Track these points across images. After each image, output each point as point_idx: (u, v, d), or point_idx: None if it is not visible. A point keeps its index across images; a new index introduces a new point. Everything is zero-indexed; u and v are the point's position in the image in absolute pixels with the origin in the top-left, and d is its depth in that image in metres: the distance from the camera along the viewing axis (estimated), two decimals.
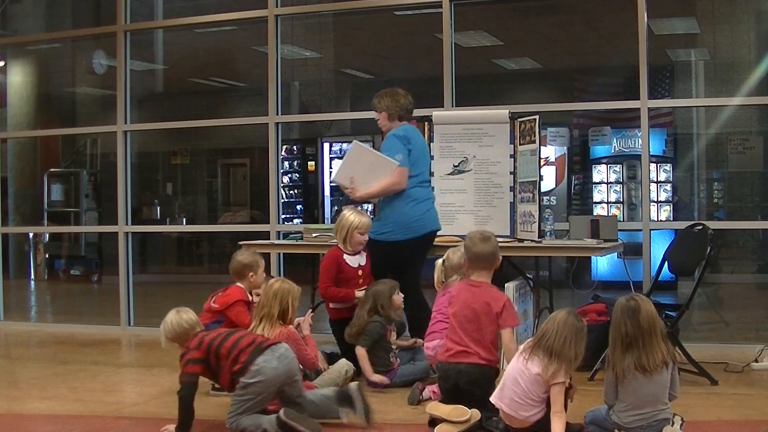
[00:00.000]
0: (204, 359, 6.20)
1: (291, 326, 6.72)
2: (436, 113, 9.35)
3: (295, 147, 18.33)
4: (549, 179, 14.93)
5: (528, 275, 8.82)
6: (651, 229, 9.70)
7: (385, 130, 8.67)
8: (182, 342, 6.30)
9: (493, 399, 5.85)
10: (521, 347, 5.90)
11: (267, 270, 9.98)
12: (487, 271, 6.58)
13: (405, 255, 8.33)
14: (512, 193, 8.88)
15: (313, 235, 9.18)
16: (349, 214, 8.10)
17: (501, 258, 6.74)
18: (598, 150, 15.70)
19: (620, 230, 9.10)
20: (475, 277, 6.55)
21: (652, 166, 14.30)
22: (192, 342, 6.21)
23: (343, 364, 7.06)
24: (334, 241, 8.38)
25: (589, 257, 12.85)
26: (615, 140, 15.48)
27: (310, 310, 7.25)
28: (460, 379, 6.29)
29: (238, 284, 7.70)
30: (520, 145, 8.86)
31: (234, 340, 6.19)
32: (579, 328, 5.96)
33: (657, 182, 15.12)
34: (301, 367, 6.61)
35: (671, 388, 5.76)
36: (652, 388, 5.68)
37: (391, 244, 8.25)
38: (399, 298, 7.63)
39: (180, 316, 6.41)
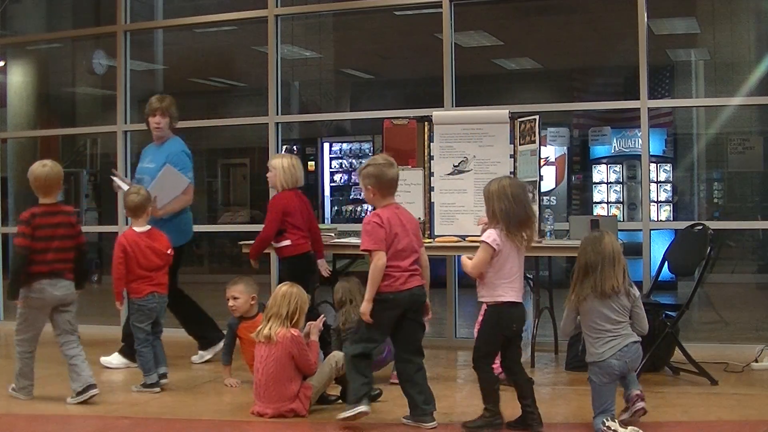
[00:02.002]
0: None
1: (296, 330, 6.72)
2: (436, 113, 9.35)
3: (295, 147, 18.33)
4: (549, 179, 14.94)
5: (528, 275, 8.81)
6: (651, 229, 9.71)
7: (163, 137, 8.96)
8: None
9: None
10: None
11: (267, 270, 10.05)
12: (393, 196, 6.59)
13: (180, 258, 8.78)
14: None
15: None
16: None
17: None
18: (598, 150, 15.71)
19: (620, 230, 9.11)
20: (388, 201, 6.53)
21: (652, 166, 14.31)
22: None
23: (334, 357, 7.01)
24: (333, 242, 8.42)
25: None
26: (615, 140, 15.49)
27: (323, 316, 7.25)
28: (415, 303, 6.42)
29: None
30: (520, 145, 8.86)
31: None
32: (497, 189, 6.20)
33: (657, 182, 15.14)
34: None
35: (637, 323, 6.16)
36: (609, 312, 6.00)
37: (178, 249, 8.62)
38: None
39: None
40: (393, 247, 6.31)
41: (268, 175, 8.52)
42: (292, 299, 6.78)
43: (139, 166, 9.10)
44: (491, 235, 6.11)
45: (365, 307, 6.24)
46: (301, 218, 8.32)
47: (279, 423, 6.40)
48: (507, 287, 6.17)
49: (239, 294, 7.64)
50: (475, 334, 6.76)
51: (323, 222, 16.98)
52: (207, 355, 9.00)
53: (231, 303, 7.65)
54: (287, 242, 8.30)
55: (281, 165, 8.43)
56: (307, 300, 6.89)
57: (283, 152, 8.76)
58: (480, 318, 6.64)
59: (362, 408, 6.23)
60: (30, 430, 6.65)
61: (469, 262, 6.22)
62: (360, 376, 6.30)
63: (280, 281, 8.15)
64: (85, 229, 17.57)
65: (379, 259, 6.23)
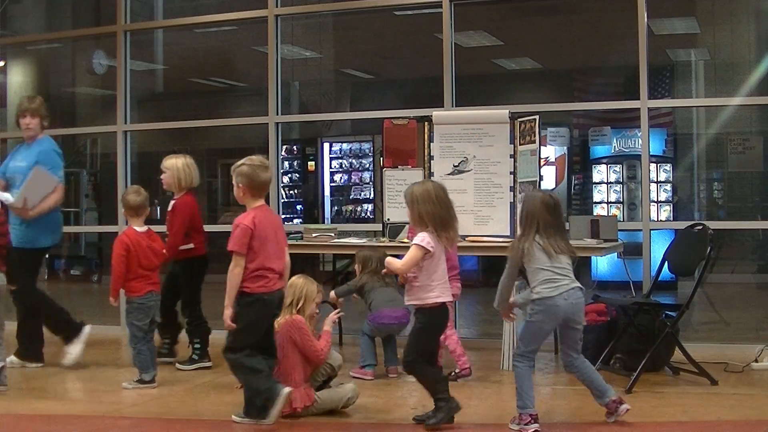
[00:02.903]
0: None
1: (299, 315, 6.71)
2: (436, 113, 9.35)
3: (295, 147, 18.33)
4: (549, 179, 14.93)
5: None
6: (651, 229, 9.71)
7: (33, 136, 9.01)
8: None
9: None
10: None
11: None
12: (263, 197, 6.68)
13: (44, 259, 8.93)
14: (512, 193, 8.89)
15: (313, 235, 9.21)
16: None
17: None
18: (598, 150, 15.71)
19: (620, 230, 9.12)
20: (258, 202, 6.59)
21: (652, 166, 14.31)
22: None
23: (349, 389, 6.95)
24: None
25: (589, 257, 12.85)
26: (615, 140, 15.49)
27: (339, 310, 7.24)
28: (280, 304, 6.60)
29: None
30: (520, 145, 8.87)
31: None
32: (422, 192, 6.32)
33: (657, 182, 15.13)
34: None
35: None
36: (554, 265, 6.22)
37: (41, 250, 8.72)
38: None
39: None
40: (264, 249, 6.42)
41: (163, 176, 8.53)
42: (297, 289, 6.77)
43: (10, 164, 8.92)
44: (425, 238, 6.15)
45: (227, 313, 6.33)
46: (200, 221, 8.45)
47: (279, 423, 6.39)
48: (442, 288, 6.25)
49: None
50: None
51: (323, 222, 16.99)
52: (77, 348, 8.80)
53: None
54: (191, 245, 8.48)
55: (178, 165, 8.46)
56: (315, 290, 6.85)
57: (179, 153, 8.78)
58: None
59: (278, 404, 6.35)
60: (30, 430, 6.64)
61: (397, 261, 6.26)
62: (261, 381, 6.41)
63: (170, 282, 8.26)
64: (85, 229, 17.67)
65: (237, 265, 6.34)
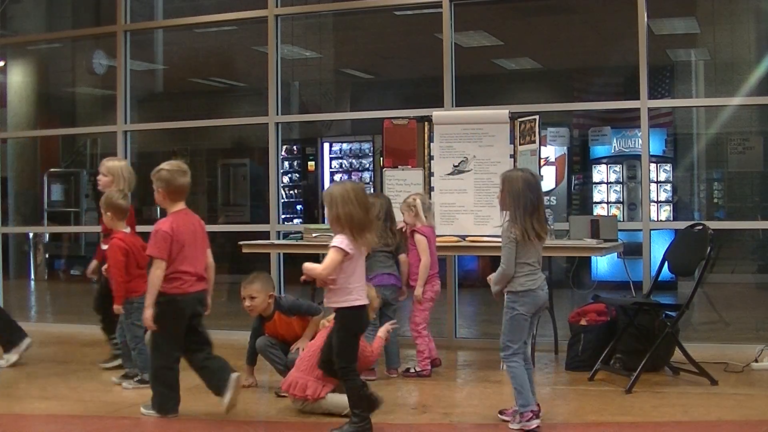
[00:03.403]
0: None
1: None
2: (436, 113, 9.36)
3: (295, 147, 18.33)
4: (549, 179, 14.94)
5: None
6: (651, 229, 9.71)
7: None
8: None
9: None
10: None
11: (268, 270, 10.04)
12: (183, 201, 6.81)
13: None
14: None
15: (313, 235, 9.20)
16: None
17: None
18: (598, 150, 15.71)
19: (620, 230, 9.13)
20: (178, 206, 6.75)
21: (652, 166, 14.31)
22: None
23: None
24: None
25: (589, 257, 12.86)
26: (615, 140, 15.49)
27: (395, 321, 7.27)
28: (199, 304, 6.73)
29: None
30: (520, 145, 8.87)
31: None
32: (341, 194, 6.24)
33: (657, 182, 15.13)
34: None
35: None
36: (540, 251, 6.32)
37: None
38: None
39: None
40: (182, 253, 6.53)
41: (103, 179, 8.47)
42: None
43: None
44: (343, 241, 6.11)
45: (147, 313, 6.46)
46: (131, 221, 8.40)
47: (279, 423, 6.40)
48: (360, 291, 6.23)
49: (256, 293, 7.50)
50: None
51: (323, 222, 16.96)
52: (13, 357, 8.81)
53: (248, 303, 7.51)
54: None
55: (122, 170, 8.48)
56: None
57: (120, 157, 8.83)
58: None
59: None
60: (30, 430, 6.65)
61: (316, 266, 6.19)
62: (166, 388, 6.61)
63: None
64: (85, 229, 17.69)
65: (158, 268, 6.47)
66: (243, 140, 18.99)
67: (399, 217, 8.38)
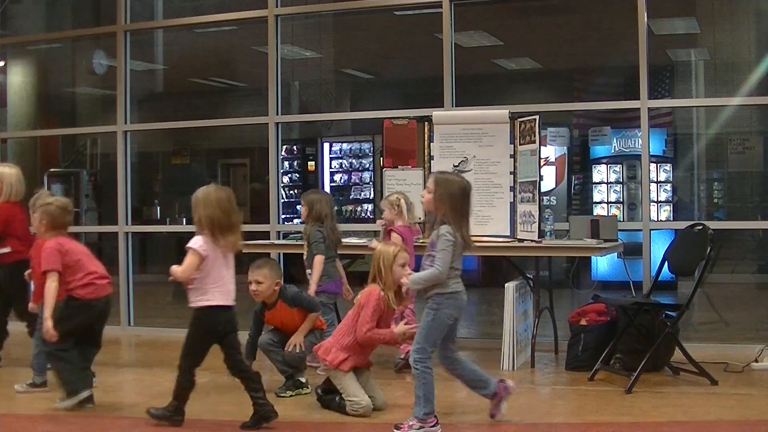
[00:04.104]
0: None
1: (374, 286, 6.86)
2: (436, 113, 9.36)
3: (295, 147, 18.32)
4: (549, 179, 14.94)
5: (528, 275, 8.84)
6: (651, 229, 9.71)
7: None
8: None
9: None
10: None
11: None
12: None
13: None
14: (512, 193, 8.90)
15: None
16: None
17: None
18: (598, 150, 15.71)
19: (620, 230, 9.13)
20: (58, 234, 7.13)
21: (652, 166, 14.30)
22: None
23: (380, 402, 7.04)
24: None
25: (589, 257, 12.86)
26: (615, 140, 15.48)
27: (414, 326, 7.10)
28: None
29: None
30: (520, 145, 8.87)
31: None
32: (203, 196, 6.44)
33: (657, 182, 15.13)
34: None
35: None
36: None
37: None
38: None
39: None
40: (81, 261, 7.05)
41: None
42: (373, 260, 6.93)
43: None
44: (198, 242, 6.28)
45: (48, 325, 6.80)
46: (22, 228, 8.51)
47: (279, 423, 6.39)
48: (216, 291, 6.35)
49: (263, 278, 7.46)
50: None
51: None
52: None
53: (254, 287, 7.47)
54: (7, 249, 8.57)
55: (11, 178, 8.64)
56: (391, 254, 6.86)
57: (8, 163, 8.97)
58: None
59: (84, 394, 6.90)
60: (30, 429, 6.65)
61: (178, 269, 6.34)
62: (68, 366, 6.95)
63: None
64: (85, 229, 17.71)
65: (53, 281, 6.84)
66: (243, 140, 18.99)
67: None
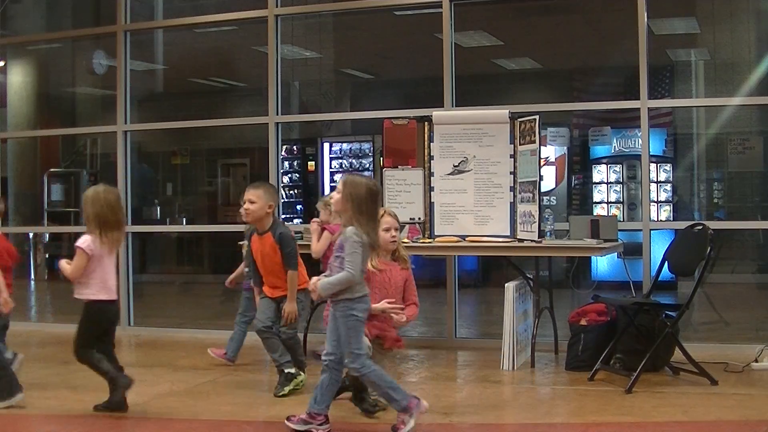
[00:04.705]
0: None
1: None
2: (436, 113, 9.35)
3: (295, 147, 18.32)
4: (549, 179, 14.94)
5: (528, 275, 8.83)
6: (651, 229, 9.71)
7: None
8: None
9: None
10: None
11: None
12: None
13: None
14: (512, 193, 8.89)
15: None
16: None
17: None
18: (598, 150, 15.71)
19: (620, 230, 9.12)
20: None
21: (652, 166, 14.30)
22: None
23: None
24: None
25: (589, 257, 12.86)
26: (615, 140, 15.48)
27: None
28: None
29: None
30: (520, 145, 8.86)
31: None
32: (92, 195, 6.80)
33: (657, 182, 15.12)
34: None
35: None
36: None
37: None
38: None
39: None
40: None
41: None
42: None
43: None
44: (85, 241, 6.64)
45: None
46: None
47: (279, 423, 6.40)
48: (100, 286, 6.74)
49: (256, 198, 7.41)
50: None
51: None
52: None
53: (246, 206, 7.45)
54: None
55: None
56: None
57: None
58: None
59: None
60: (30, 430, 6.65)
61: (68, 267, 6.72)
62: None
63: None
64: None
65: None
66: (243, 140, 18.98)
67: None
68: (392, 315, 6.67)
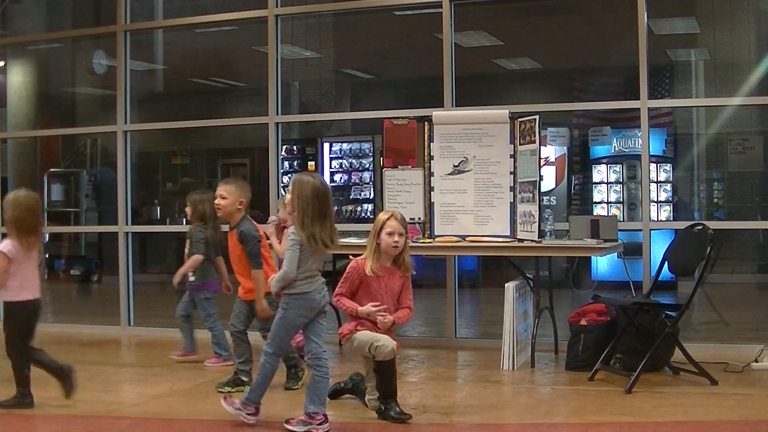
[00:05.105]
0: None
1: (360, 259, 6.79)
2: (436, 113, 9.35)
3: (295, 147, 18.32)
4: (549, 179, 14.94)
5: (528, 275, 8.83)
6: (651, 229, 9.70)
7: None
8: None
9: None
10: None
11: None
12: None
13: None
14: (512, 193, 8.88)
15: None
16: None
17: None
18: (598, 150, 15.71)
19: (620, 230, 9.11)
20: None
21: (652, 166, 14.30)
22: None
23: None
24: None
25: (589, 257, 12.86)
26: (615, 140, 15.49)
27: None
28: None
29: None
30: (520, 145, 8.86)
31: None
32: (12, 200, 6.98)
33: (657, 182, 15.13)
34: None
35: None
36: (320, 259, 6.41)
37: None
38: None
39: None
40: None
41: None
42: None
43: None
44: (6, 246, 6.85)
45: None
46: None
47: (279, 422, 6.40)
48: (23, 287, 6.90)
49: (227, 194, 7.58)
50: None
51: None
52: None
53: (217, 201, 7.63)
54: None
55: None
56: (380, 221, 6.69)
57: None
58: None
59: None
60: (30, 430, 6.65)
61: None
62: None
63: None
64: (85, 229, 17.66)
65: None
66: (243, 140, 18.99)
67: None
68: (377, 317, 6.59)
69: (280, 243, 8.64)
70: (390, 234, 6.62)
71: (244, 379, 7.52)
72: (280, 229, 8.59)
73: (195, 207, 8.88)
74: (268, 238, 8.03)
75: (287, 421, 6.26)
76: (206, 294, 8.89)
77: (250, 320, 7.75)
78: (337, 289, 6.72)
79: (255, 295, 7.61)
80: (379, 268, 6.64)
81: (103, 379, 8.16)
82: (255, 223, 7.83)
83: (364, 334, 6.58)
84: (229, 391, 7.33)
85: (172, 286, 9.02)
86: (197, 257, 8.72)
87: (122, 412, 6.95)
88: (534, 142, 8.67)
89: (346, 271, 6.72)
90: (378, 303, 6.62)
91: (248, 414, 6.38)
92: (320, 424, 6.18)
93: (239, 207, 7.60)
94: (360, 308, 6.60)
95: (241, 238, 7.61)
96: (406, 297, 6.81)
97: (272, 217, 8.88)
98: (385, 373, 6.55)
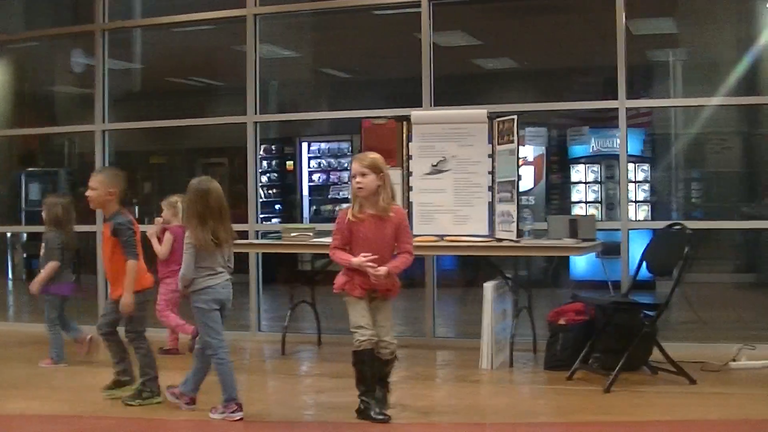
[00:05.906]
0: None
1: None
2: (415, 113, 9.36)
3: (273, 146, 18.30)
4: (527, 179, 14.95)
5: (507, 275, 8.84)
6: (629, 229, 9.73)
7: None
8: None
9: None
10: None
11: (246, 269, 10.03)
12: None
13: None
14: (491, 192, 8.89)
15: (292, 234, 9.20)
16: None
17: None
18: (577, 150, 15.74)
19: (598, 230, 9.14)
20: None
21: (631, 165, 14.32)
22: None
23: None
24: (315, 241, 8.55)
25: (568, 257, 12.88)
26: (593, 140, 15.51)
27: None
28: None
29: None
30: (498, 144, 8.87)
31: None
32: None
33: (635, 182, 15.16)
34: None
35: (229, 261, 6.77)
36: (220, 257, 6.61)
37: None
38: None
39: None
40: None
41: None
42: None
43: None
44: None
45: None
46: None
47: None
48: None
49: (97, 185, 7.13)
50: None
51: (302, 221, 16.96)
52: None
53: (87, 192, 7.18)
54: None
55: None
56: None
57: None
58: None
59: None
60: (24, 429, 6.63)
61: None
62: None
63: None
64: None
65: None
66: (222, 140, 18.94)
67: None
68: (368, 269, 6.43)
69: (160, 244, 8.94)
70: (353, 177, 6.51)
71: (125, 379, 7.42)
72: (163, 230, 8.91)
73: (49, 210, 8.85)
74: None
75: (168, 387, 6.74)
76: (53, 297, 8.92)
77: (117, 321, 7.38)
78: (331, 243, 6.65)
79: (125, 286, 7.07)
80: (364, 215, 6.49)
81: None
82: (130, 215, 7.46)
83: (355, 312, 6.52)
84: (113, 396, 7.28)
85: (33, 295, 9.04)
86: (54, 264, 8.81)
87: (105, 412, 6.94)
88: (512, 141, 8.68)
89: (336, 222, 6.67)
90: (368, 254, 6.45)
91: (232, 412, 6.49)
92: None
93: (109, 198, 7.13)
94: (353, 260, 6.47)
95: (115, 231, 7.13)
96: (404, 240, 6.59)
97: (158, 219, 9.30)
98: (358, 364, 6.52)
